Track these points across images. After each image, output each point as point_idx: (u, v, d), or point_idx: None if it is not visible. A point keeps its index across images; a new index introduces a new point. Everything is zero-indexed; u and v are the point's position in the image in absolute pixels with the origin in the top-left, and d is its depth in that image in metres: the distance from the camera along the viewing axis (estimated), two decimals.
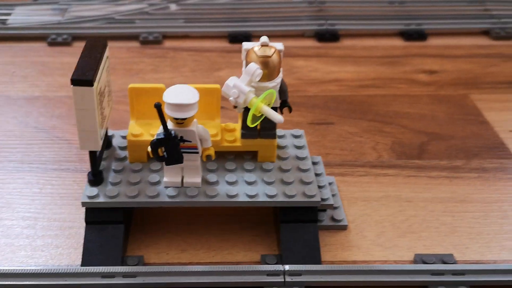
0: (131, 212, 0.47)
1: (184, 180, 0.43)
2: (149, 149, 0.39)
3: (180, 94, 0.39)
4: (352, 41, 0.76)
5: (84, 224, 0.43)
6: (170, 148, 0.39)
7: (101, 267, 0.41)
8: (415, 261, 0.44)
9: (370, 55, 0.73)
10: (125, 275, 0.41)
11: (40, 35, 0.75)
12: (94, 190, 0.42)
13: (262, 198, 0.43)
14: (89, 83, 0.37)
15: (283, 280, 0.41)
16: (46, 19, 0.77)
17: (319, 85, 0.67)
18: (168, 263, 0.43)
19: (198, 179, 0.43)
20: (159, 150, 0.39)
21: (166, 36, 0.75)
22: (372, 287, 0.42)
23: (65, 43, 0.73)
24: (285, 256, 0.43)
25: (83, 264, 0.42)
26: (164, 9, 0.79)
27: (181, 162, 0.40)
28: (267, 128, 0.44)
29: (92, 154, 0.42)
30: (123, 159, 0.45)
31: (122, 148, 0.46)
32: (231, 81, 0.39)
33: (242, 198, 0.43)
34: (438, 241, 0.46)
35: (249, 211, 0.48)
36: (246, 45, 0.42)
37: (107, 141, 0.46)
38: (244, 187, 0.43)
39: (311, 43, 0.77)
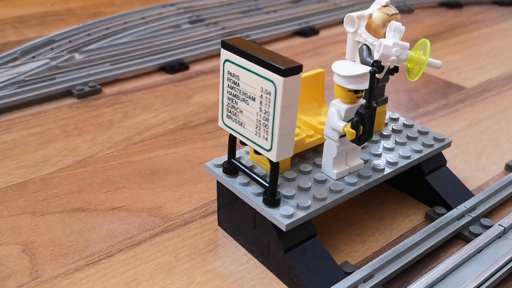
0: None
1: (350, 165, 0.40)
2: (347, 130, 0.36)
3: (352, 66, 0.37)
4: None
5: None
6: (370, 121, 0.36)
7: (340, 284, 0.35)
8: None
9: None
10: (365, 279, 0.36)
11: None
12: (288, 209, 0.36)
13: (415, 156, 0.43)
14: (299, 69, 0.32)
15: (471, 218, 0.42)
16: None
17: None
18: (368, 258, 0.40)
19: (360, 160, 0.41)
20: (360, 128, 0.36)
21: (100, 84, 0.65)
22: None
23: None
24: (450, 201, 0.44)
25: None
26: (70, 60, 0.68)
27: (371, 137, 0.38)
28: (379, 95, 0.45)
29: (276, 168, 0.35)
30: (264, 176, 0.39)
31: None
32: (388, 41, 0.39)
33: (403, 162, 0.42)
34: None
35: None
36: (356, 14, 0.41)
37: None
38: (391, 154, 0.43)
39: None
